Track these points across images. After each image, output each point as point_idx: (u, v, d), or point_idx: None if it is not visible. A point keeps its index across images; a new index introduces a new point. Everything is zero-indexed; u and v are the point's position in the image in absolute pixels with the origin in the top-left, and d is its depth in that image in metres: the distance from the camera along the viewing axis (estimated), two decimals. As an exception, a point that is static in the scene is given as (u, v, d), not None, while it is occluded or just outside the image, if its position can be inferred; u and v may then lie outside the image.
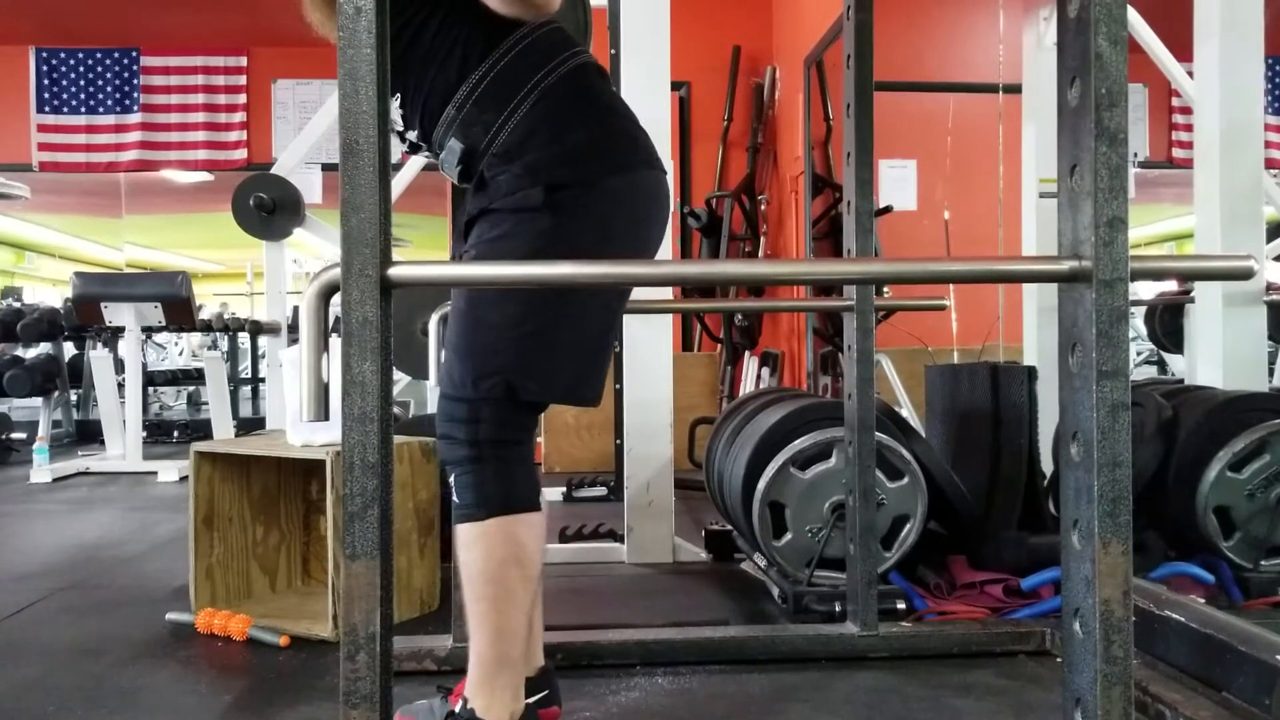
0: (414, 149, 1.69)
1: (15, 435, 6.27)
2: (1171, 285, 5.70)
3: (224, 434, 5.53)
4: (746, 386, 5.87)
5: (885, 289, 3.23)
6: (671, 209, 1.69)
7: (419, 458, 2.59)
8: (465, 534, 1.54)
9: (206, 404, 6.24)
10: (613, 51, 3.40)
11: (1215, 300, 3.03)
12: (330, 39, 1.72)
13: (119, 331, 5.50)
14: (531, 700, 1.64)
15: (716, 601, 2.75)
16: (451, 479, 1.56)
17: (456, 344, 1.55)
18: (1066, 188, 0.93)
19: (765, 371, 5.89)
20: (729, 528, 3.19)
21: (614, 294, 1.64)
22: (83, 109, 7.62)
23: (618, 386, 3.61)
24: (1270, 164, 7.82)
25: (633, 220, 1.59)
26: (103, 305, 5.26)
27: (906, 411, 4.32)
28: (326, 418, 0.98)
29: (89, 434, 6.76)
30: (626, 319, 3.23)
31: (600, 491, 4.36)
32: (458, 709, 1.58)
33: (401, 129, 1.65)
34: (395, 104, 1.60)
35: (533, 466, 1.61)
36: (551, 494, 4.34)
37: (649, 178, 1.62)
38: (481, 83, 1.53)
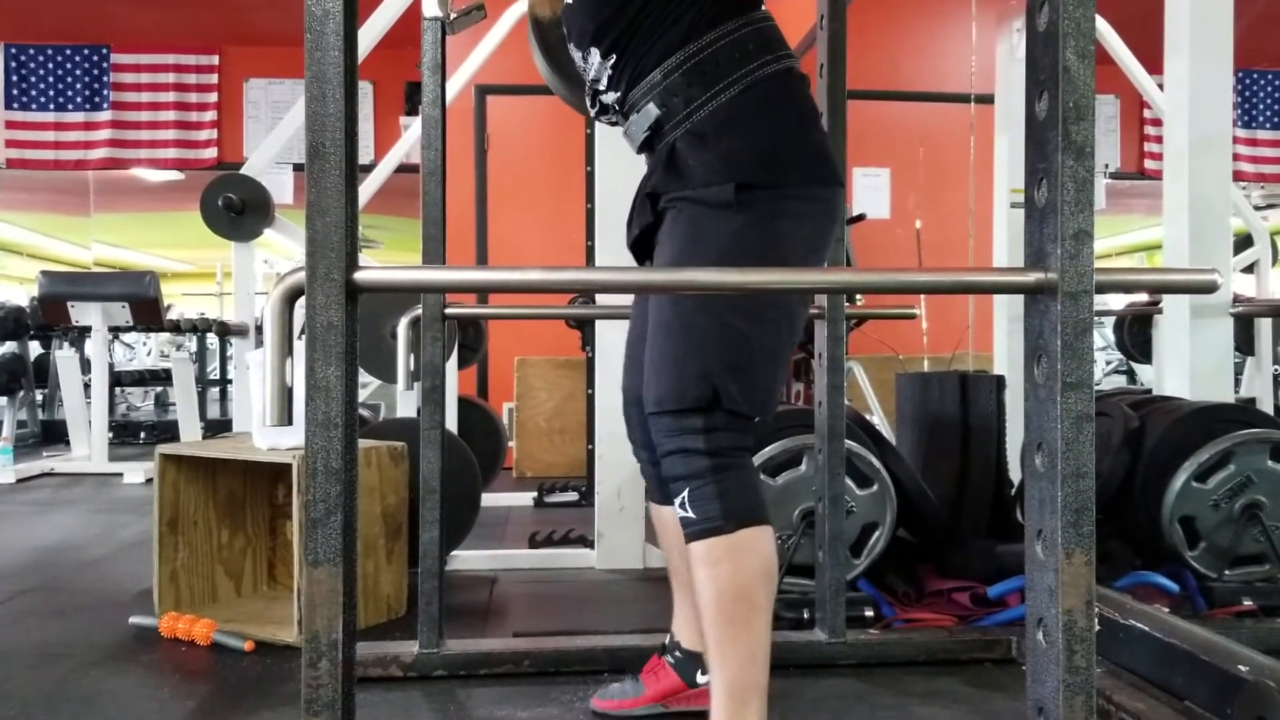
0: (602, 111, 1.66)
1: (-22, 435, 6.18)
2: (1141, 295, 5.75)
3: (191, 436, 5.48)
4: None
5: (857, 296, 3.24)
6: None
7: (387, 462, 2.57)
8: (710, 549, 1.43)
9: (174, 405, 6.18)
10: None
11: (1183, 312, 3.06)
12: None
13: (86, 331, 5.43)
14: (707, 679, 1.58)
15: (686, 608, 2.74)
16: (685, 494, 1.46)
17: (677, 354, 1.48)
18: (1033, 200, 0.93)
19: (738, 377, 5.89)
20: (699, 534, 3.18)
21: (803, 304, 1.63)
22: (52, 106, 7.53)
23: (590, 391, 3.59)
24: (1239, 176, 7.93)
25: (817, 235, 1.55)
26: (69, 304, 5.20)
27: (877, 419, 4.34)
28: (291, 422, 0.97)
29: (54, 434, 6.67)
30: (597, 324, 3.23)
31: (571, 497, 4.35)
32: None
33: (603, 88, 1.62)
34: (608, 63, 1.59)
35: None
36: (522, 499, 4.33)
37: (837, 195, 1.58)
38: (697, 55, 1.50)
